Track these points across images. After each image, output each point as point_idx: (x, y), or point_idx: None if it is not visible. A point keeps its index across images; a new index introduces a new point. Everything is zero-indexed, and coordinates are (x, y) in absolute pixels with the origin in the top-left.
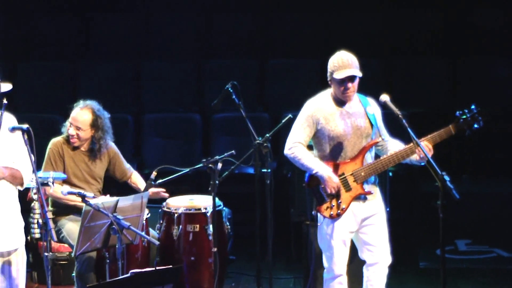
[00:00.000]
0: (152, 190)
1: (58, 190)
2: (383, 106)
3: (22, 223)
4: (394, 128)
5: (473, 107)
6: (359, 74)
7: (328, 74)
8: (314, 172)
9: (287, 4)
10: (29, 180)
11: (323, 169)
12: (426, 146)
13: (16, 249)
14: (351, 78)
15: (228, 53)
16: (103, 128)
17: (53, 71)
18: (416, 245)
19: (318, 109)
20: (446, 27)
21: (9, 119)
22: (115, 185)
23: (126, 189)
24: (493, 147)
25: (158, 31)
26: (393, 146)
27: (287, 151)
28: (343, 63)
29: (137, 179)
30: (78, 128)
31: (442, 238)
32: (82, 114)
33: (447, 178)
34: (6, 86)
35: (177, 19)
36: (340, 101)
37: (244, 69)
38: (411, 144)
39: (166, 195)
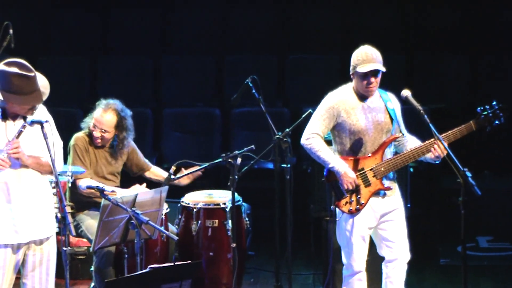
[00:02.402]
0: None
1: (77, 185)
2: (404, 101)
3: (53, 212)
4: (415, 123)
5: (494, 103)
6: (382, 69)
7: (351, 67)
8: (330, 166)
9: None
10: (60, 168)
11: (339, 164)
12: (438, 148)
13: (48, 238)
14: (375, 73)
15: (248, 47)
16: (127, 128)
17: (72, 66)
18: (436, 241)
19: (341, 101)
20: (467, 23)
21: (42, 110)
22: (134, 180)
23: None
24: None
25: (178, 26)
26: (411, 142)
27: (304, 141)
28: (367, 57)
29: (158, 171)
30: (103, 131)
31: (463, 235)
32: (106, 117)
33: (468, 174)
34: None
35: (197, 14)
36: (362, 96)
37: (264, 64)
38: (432, 139)
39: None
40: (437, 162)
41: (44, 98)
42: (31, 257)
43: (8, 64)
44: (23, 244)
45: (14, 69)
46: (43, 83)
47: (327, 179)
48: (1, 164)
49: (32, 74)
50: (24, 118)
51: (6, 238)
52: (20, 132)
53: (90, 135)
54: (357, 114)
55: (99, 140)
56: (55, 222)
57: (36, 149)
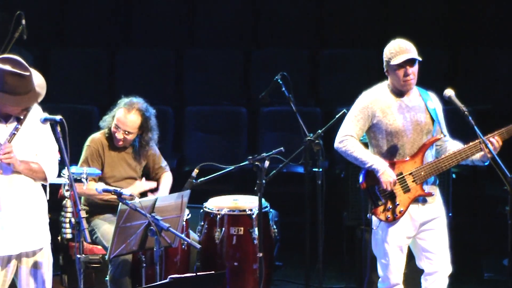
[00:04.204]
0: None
1: (92, 187)
2: (447, 101)
3: (47, 221)
4: (458, 125)
5: None
6: (418, 58)
7: (385, 63)
8: (368, 165)
9: None
10: (54, 175)
11: (378, 162)
12: (497, 142)
13: (41, 249)
14: (411, 63)
15: (278, 41)
16: (151, 129)
17: (89, 59)
18: (480, 254)
19: (375, 100)
20: None
21: (36, 110)
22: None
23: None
24: None
25: (202, 17)
26: (453, 146)
27: (337, 144)
28: (400, 48)
29: (163, 179)
30: (127, 133)
31: (510, 247)
32: (130, 117)
33: None
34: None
35: (223, 4)
36: (399, 93)
37: (295, 59)
38: (477, 141)
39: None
40: (486, 163)
41: (40, 98)
42: (24, 270)
43: (2, 61)
44: (13, 256)
45: (8, 67)
46: (39, 82)
47: (363, 185)
48: None
49: (27, 73)
50: (18, 119)
51: None
52: (12, 135)
53: (109, 136)
54: (393, 114)
55: (121, 142)
56: (48, 232)
57: (30, 153)
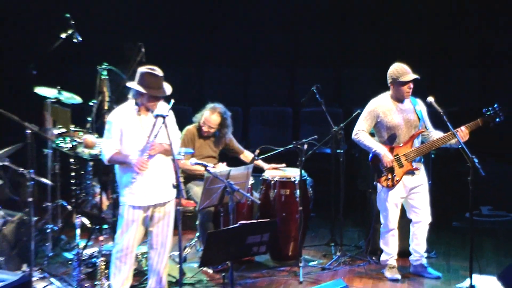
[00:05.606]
0: (272, 165)
1: (187, 162)
2: (429, 105)
3: (172, 182)
4: (437, 122)
5: (496, 105)
6: (418, 77)
7: (391, 79)
8: (373, 150)
9: (358, 22)
10: (177, 154)
11: (380, 148)
12: (464, 131)
13: (169, 201)
14: (413, 81)
15: (313, 62)
16: (228, 125)
17: (185, 75)
18: (450, 209)
19: (379, 105)
20: (479, 43)
21: (167, 108)
22: (225, 159)
23: (236, 163)
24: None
25: (262, 46)
26: (436, 135)
27: (353, 136)
28: (405, 70)
29: (248, 155)
30: (211, 128)
31: (470, 205)
32: (213, 117)
33: (476, 160)
34: (169, 88)
35: (274, 36)
36: (397, 100)
37: (325, 75)
38: (449, 133)
39: (283, 165)
40: (459, 146)
41: (168, 93)
42: (157, 214)
43: (146, 68)
44: (151, 205)
45: (148, 70)
46: (167, 87)
47: (371, 162)
48: (143, 167)
49: (160, 74)
50: (152, 112)
51: (140, 201)
52: (157, 133)
53: (199, 128)
54: (392, 115)
55: (206, 134)
56: (173, 190)
57: (164, 138)
